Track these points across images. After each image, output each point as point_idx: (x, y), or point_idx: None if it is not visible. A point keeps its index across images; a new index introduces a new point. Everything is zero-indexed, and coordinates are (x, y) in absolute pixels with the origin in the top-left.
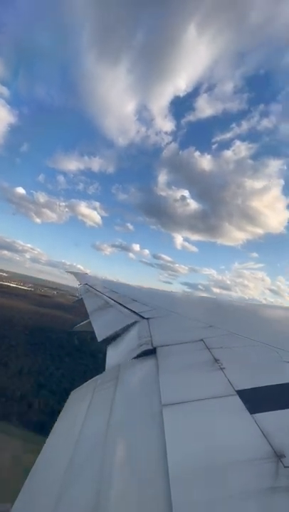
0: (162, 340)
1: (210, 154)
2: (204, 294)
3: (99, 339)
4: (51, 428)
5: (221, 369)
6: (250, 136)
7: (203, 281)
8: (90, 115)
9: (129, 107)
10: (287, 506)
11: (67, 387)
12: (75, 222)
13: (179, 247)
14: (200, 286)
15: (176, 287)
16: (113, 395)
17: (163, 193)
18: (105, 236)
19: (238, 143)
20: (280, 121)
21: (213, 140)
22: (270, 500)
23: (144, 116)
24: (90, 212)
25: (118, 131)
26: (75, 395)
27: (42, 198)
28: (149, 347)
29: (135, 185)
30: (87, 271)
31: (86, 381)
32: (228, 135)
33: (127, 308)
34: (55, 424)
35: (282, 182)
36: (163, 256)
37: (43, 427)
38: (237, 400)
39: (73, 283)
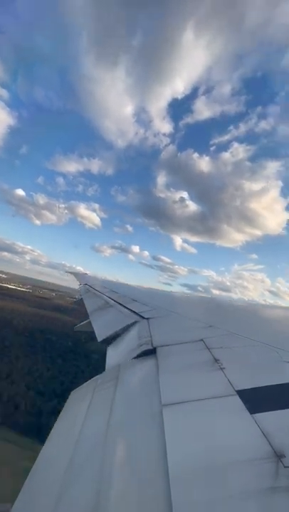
0: (162, 340)
1: (208, 156)
2: (204, 295)
3: (99, 339)
4: (37, 429)
5: (221, 369)
6: (248, 138)
7: (202, 283)
8: (89, 117)
9: (128, 108)
10: (288, 506)
11: (56, 388)
12: (74, 223)
13: (178, 248)
14: (199, 288)
15: (175, 289)
16: (113, 394)
17: (162, 195)
18: (105, 238)
19: (236, 145)
20: (277, 123)
21: (211, 142)
22: (270, 500)
23: (142, 118)
24: (90, 214)
25: (117, 133)
26: (75, 395)
27: (41, 199)
28: (149, 347)
29: (134, 187)
30: (87, 272)
31: (76, 382)
32: (226, 137)
33: (127, 308)
34: (55, 424)
35: (280, 183)
36: (162, 257)
37: (29, 428)
38: (237, 400)
39: (73, 284)
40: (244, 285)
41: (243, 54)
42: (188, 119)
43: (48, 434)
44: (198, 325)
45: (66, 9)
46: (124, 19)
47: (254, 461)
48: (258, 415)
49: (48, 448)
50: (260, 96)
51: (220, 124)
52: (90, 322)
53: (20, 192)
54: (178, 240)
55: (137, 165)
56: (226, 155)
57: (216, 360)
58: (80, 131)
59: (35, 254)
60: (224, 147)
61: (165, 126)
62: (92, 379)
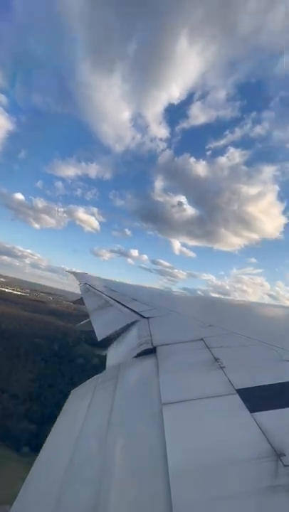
0: (162, 339)
1: (205, 160)
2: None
3: (99, 338)
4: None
5: (221, 368)
6: (244, 143)
7: (202, 287)
8: (87, 122)
9: (125, 114)
10: (287, 505)
11: (33, 392)
12: (73, 227)
13: (177, 252)
14: (199, 292)
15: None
16: (113, 393)
17: (160, 199)
18: (103, 241)
19: (232, 149)
20: (272, 128)
21: (208, 147)
22: (270, 499)
23: (139, 123)
24: (88, 218)
25: (114, 137)
26: (75, 394)
27: (40, 203)
28: (149, 346)
29: (132, 191)
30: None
31: (54, 386)
32: (222, 142)
33: (127, 307)
34: (56, 423)
35: (276, 188)
36: (161, 261)
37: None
38: (237, 399)
39: (72, 288)
40: (243, 289)
41: (237, 60)
42: (184, 124)
43: (16, 438)
44: (198, 324)
45: (63, 17)
46: (120, 27)
47: (254, 460)
48: (258, 414)
49: (48, 446)
50: (255, 101)
51: (215, 129)
52: (90, 321)
53: (19, 196)
54: (176, 244)
55: (135, 169)
56: (222, 159)
57: (216, 359)
58: (77, 136)
59: (35, 258)
60: (220, 152)
61: (162, 131)
62: (92, 378)
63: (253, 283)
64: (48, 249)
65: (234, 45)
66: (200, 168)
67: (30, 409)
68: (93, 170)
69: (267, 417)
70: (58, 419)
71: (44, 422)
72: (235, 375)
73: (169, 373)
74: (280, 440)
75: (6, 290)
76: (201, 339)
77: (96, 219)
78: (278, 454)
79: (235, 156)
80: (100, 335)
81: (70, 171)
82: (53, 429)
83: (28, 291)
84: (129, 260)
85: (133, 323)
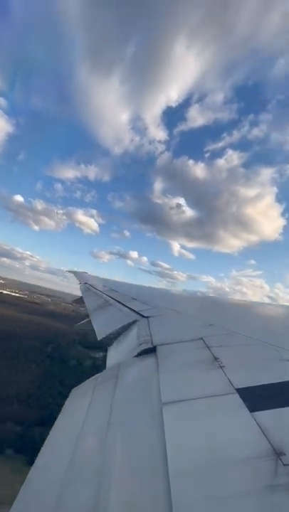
0: (162, 338)
1: (203, 163)
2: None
3: (99, 337)
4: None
5: (221, 367)
6: (242, 145)
7: (202, 289)
8: (86, 124)
9: (123, 116)
10: (287, 504)
11: (21, 394)
12: (72, 229)
13: (176, 254)
14: (199, 294)
15: None
16: (113, 393)
17: (159, 201)
18: (103, 243)
19: (230, 152)
20: (270, 131)
21: (206, 149)
22: (270, 498)
23: (137, 125)
24: (87, 220)
25: (113, 139)
26: (75, 393)
27: (40, 205)
28: (149, 345)
29: (131, 193)
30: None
31: (41, 387)
32: (220, 144)
33: (127, 306)
34: (56, 422)
35: (275, 190)
36: (161, 263)
37: None
38: (237, 399)
39: (71, 290)
40: (243, 291)
41: (234, 63)
42: (183, 127)
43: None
44: (198, 323)
45: (62, 20)
46: (118, 30)
47: (254, 459)
48: (258, 413)
49: (48, 446)
50: (252, 104)
51: (213, 131)
52: (89, 321)
53: (18, 198)
54: (176, 246)
55: (134, 171)
56: (220, 161)
57: (216, 359)
58: (76, 138)
59: (35, 259)
60: (218, 154)
61: (160, 134)
62: (92, 377)
63: (253, 285)
64: (48, 251)
65: (231, 49)
66: (198, 170)
67: (17, 410)
68: (92, 172)
69: (267, 416)
70: (58, 418)
71: (31, 424)
72: (235, 374)
73: (169, 373)
74: (280, 439)
75: (4, 292)
76: (201, 338)
77: (95, 221)
78: (278, 454)
79: (233, 158)
80: (100, 334)
81: (69, 173)
82: (52, 429)
83: (27, 292)
84: (129, 262)
85: (133, 323)
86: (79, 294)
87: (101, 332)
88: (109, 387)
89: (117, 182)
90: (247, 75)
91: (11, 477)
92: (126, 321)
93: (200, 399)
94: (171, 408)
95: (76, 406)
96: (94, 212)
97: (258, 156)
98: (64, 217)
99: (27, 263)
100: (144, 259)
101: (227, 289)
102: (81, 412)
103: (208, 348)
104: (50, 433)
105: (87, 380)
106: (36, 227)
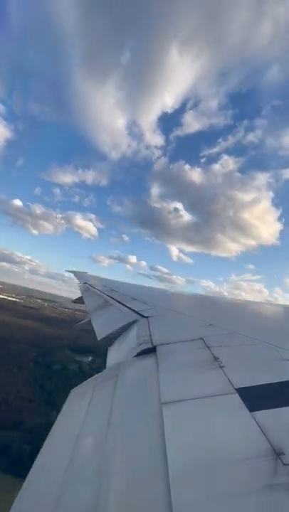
0: (162, 338)
1: (200, 167)
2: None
3: (99, 337)
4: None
5: (221, 367)
6: (237, 150)
7: (201, 293)
8: (83, 130)
9: (120, 122)
10: (286, 504)
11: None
12: (71, 233)
13: (174, 258)
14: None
15: None
16: (113, 392)
17: (156, 205)
18: (102, 248)
19: (225, 157)
20: (264, 136)
21: (202, 154)
22: (269, 497)
23: (134, 131)
24: (86, 224)
25: (110, 145)
26: (75, 393)
27: (38, 209)
28: (149, 345)
29: (129, 197)
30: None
31: (20, 391)
32: (216, 149)
33: (127, 306)
34: (56, 422)
35: (271, 194)
36: (160, 267)
37: None
38: (236, 398)
39: (70, 294)
40: (242, 295)
41: (227, 70)
42: (179, 132)
43: None
44: (197, 323)
45: (58, 27)
46: (113, 37)
47: (253, 458)
48: (258, 413)
49: (47, 446)
50: (247, 110)
51: (209, 136)
52: (89, 321)
53: (17, 202)
54: (174, 250)
55: (131, 176)
56: (216, 166)
57: (216, 359)
58: (74, 143)
59: (34, 264)
60: (214, 159)
61: (156, 139)
62: (92, 377)
63: (252, 289)
64: (47, 256)
65: (225, 55)
66: (195, 174)
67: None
68: (90, 177)
69: (266, 416)
70: (58, 417)
71: (3, 428)
72: (234, 374)
73: (169, 372)
74: (280, 439)
75: (1, 296)
76: (201, 338)
77: (94, 225)
78: (277, 453)
79: (229, 163)
80: (100, 334)
81: (67, 177)
82: (52, 428)
83: (24, 297)
84: (128, 266)
85: (133, 323)
86: (78, 296)
87: (101, 332)
88: (109, 387)
89: (115, 187)
90: (241, 81)
91: None
92: (126, 321)
93: (200, 399)
94: (171, 408)
95: (76, 406)
96: (92, 216)
97: (253, 161)
98: (63, 221)
99: (26, 267)
100: (143, 263)
101: (226, 294)
102: (81, 412)
103: (208, 348)
104: (50, 433)
105: (87, 380)
106: (35, 232)
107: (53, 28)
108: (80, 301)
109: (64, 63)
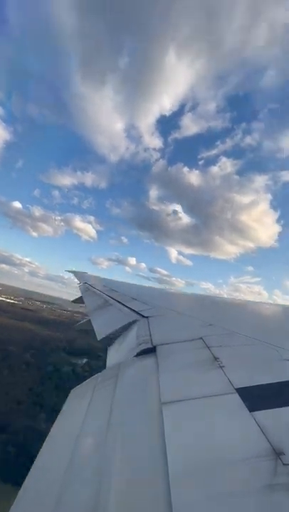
0: (162, 338)
1: (198, 170)
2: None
3: (98, 338)
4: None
5: (221, 367)
6: (235, 153)
7: (201, 293)
8: (82, 132)
9: (118, 124)
10: (286, 503)
11: None
12: (70, 236)
13: (174, 260)
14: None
15: None
16: (113, 392)
17: (155, 207)
18: (101, 250)
19: (223, 159)
20: (262, 139)
21: (200, 156)
22: (269, 497)
23: (132, 133)
24: (85, 226)
25: (109, 147)
26: (75, 393)
27: (38, 212)
28: (149, 345)
29: (128, 199)
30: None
31: (12, 392)
32: (214, 152)
33: (127, 306)
34: (56, 422)
35: (269, 197)
36: (159, 269)
37: None
38: (236, 398)
39: (70, 296)
40: (242, 298)
41: (225, 74)
42: (177, 135)
43: None
44: (197, 323)
45: (57, 31)
46: (111, 41)
47: (253, 458)
48: (257, 413)
49: (47, 446)
50: (244, 113)
51: (207, 139)
52: (89, 321)
53: (17, 204)
54: (173, 252)
55: (130, 178)
56: (214, 169)
57: (216, 359)
58: (73, 146)
59: (33, 266)
60: (212, 161)
61: (154, 142)
62: (92, 377)
63: (251, 291)
64: (46, 258)
65: (223, 59)
66: (193, 177)
67: None
68: (89, 179)
69: (266, 416)
70: (58, 417)
71: None
72: (234, 374)
73: (169, 372)
74: (280, 439)
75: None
76: (201, 338)
77: (93, 227)
78: (277, 453)
79: (227, 165)
80: (100, 334)
81: (66, 180)
82: (52, 428)
83: (22, 299)
84: (127, 268)
85: (133, 323)
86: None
87: (101, 332)
88: (109, 386)
89: (114, 189)
90: (238, 85)
91: None
92: (126, 321)
93: (200, 399)
94: (171, 408)
95: (76, 406)
96: (92, 218)
97: (251, 163)
98: (62, 223)
99: (26, 269)
100: (143, 265)
101: (226, 296)
102: (81, 412)
103: (208, 348)
104: (50, 433)
105: (87, 380)
106: (35, 234)
107: (51, 31)
108: (79, 301)
109: (63, 66)
